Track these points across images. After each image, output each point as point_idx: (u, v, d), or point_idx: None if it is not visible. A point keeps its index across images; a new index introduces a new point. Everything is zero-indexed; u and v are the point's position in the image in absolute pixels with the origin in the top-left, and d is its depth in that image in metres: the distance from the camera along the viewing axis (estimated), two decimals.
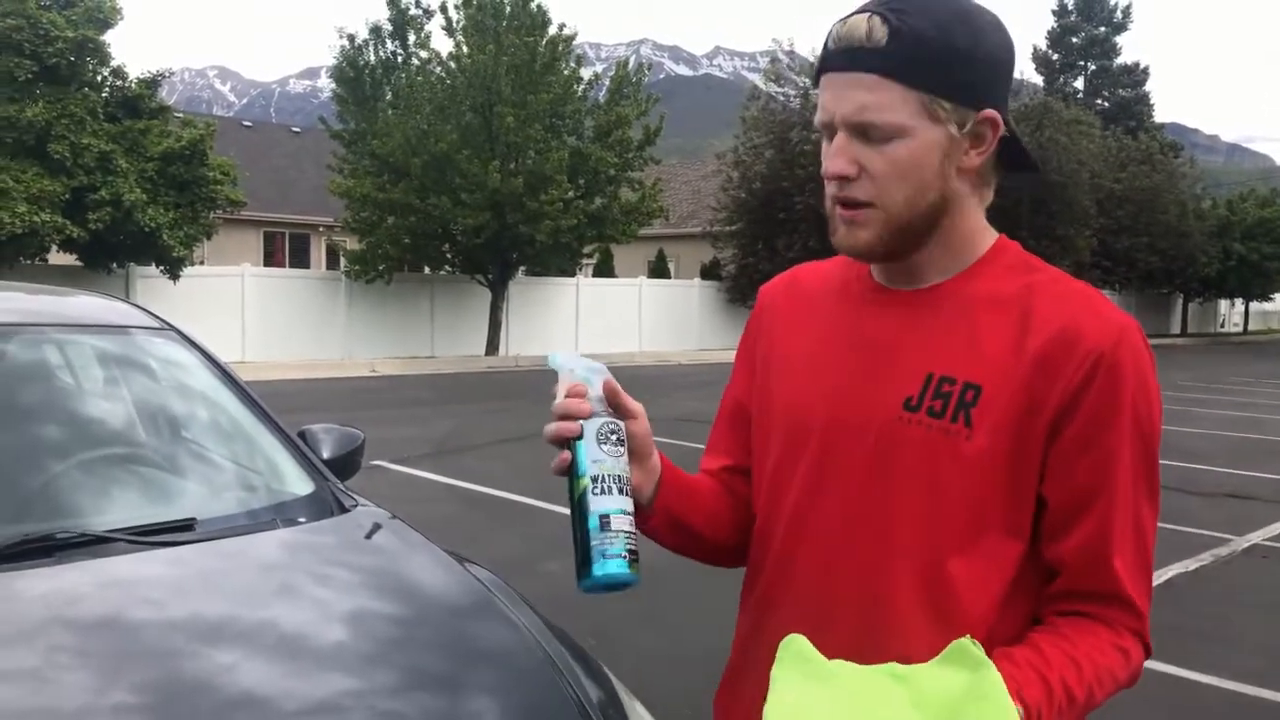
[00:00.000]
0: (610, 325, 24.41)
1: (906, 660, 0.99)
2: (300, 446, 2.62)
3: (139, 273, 18.29)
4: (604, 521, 1.04)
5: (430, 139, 19.12)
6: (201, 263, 21.41)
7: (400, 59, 22.09)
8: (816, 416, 1.15)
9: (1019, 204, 26.03)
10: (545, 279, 23.86)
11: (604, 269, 27.35)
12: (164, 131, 17.29)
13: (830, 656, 1.01)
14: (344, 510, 2.39)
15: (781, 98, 27.88)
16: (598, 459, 1.07)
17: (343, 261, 21.37)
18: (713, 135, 31.00)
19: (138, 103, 17.46)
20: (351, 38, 22.01)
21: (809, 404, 1.17)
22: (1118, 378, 1.05)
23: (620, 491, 1.06)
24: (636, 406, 1.15)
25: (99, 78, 17.12)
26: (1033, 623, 1.11)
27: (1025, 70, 37.26)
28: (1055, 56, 49.53)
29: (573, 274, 24.78)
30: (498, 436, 10.48)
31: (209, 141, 17.54)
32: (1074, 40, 49.24)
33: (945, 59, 1.04)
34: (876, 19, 1.04)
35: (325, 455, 2.72)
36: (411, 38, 21.99)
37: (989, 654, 0.98)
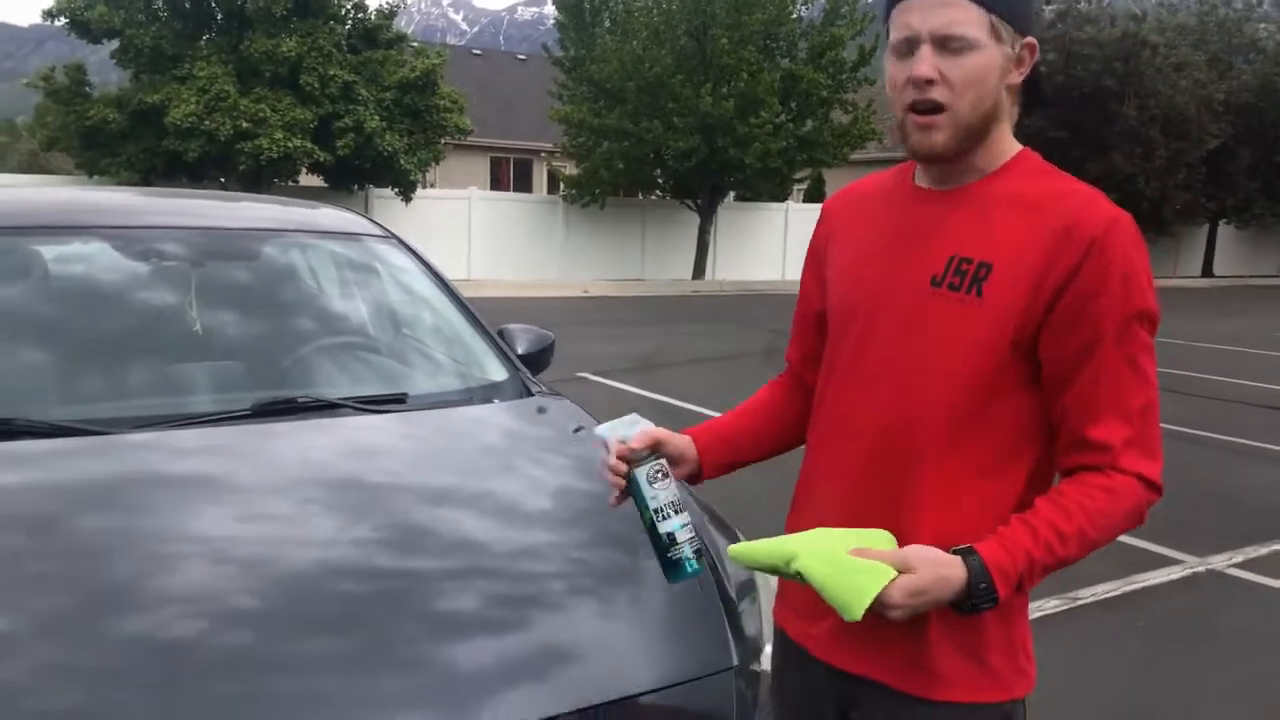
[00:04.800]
0: None
1: (922, 483, 1.32)
2: (498, 342, 3.03)
3: (376, 194, 19.74)
4: (671, 538, 1.41)
5: (645, 64, 19.45)
6: (433, 186, 22.77)
7: None
8: (863, 296, 1.40)
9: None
10: (754, 204, 23.88)
11: (816, 194, 27.00)
12: (399, 61, 18.45)
13: (857, 482, 1.36)
14: (529, 394, 2.78)
15: None
16: (653, 495, 1.42)
17: (561, 185, 22.19)
18: None
19: (376, 34, 18.68)
20: None
21: (858, 288, 1.42)
22: (1107, 259, 1.24)
23: (677, 512, 1.42)
24: (664, 435, 1.50)
25: (342, 10, 18.40)
26: (1047, 462, 1.34)
27: None
28: None
29: (783, 200, 24.67)
30: (696, 356, 10.87)
31: (440, 71, 18.59)
32: None
33: None
34: None
35: (520, 351, 3.11)
36: None
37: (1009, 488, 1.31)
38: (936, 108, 1.28)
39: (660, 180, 22.26)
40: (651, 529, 1.42)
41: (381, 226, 3.41)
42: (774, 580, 1.56)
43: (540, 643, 1.70)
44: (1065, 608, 4.09)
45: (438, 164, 20.37)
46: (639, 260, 22.86)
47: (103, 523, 1.88)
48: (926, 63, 1.27)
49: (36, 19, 18.08)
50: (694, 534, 1.43)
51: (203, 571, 1.73)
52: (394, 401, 2.57)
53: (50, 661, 1.49)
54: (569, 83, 22.21)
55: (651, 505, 1.41)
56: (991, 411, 1.31)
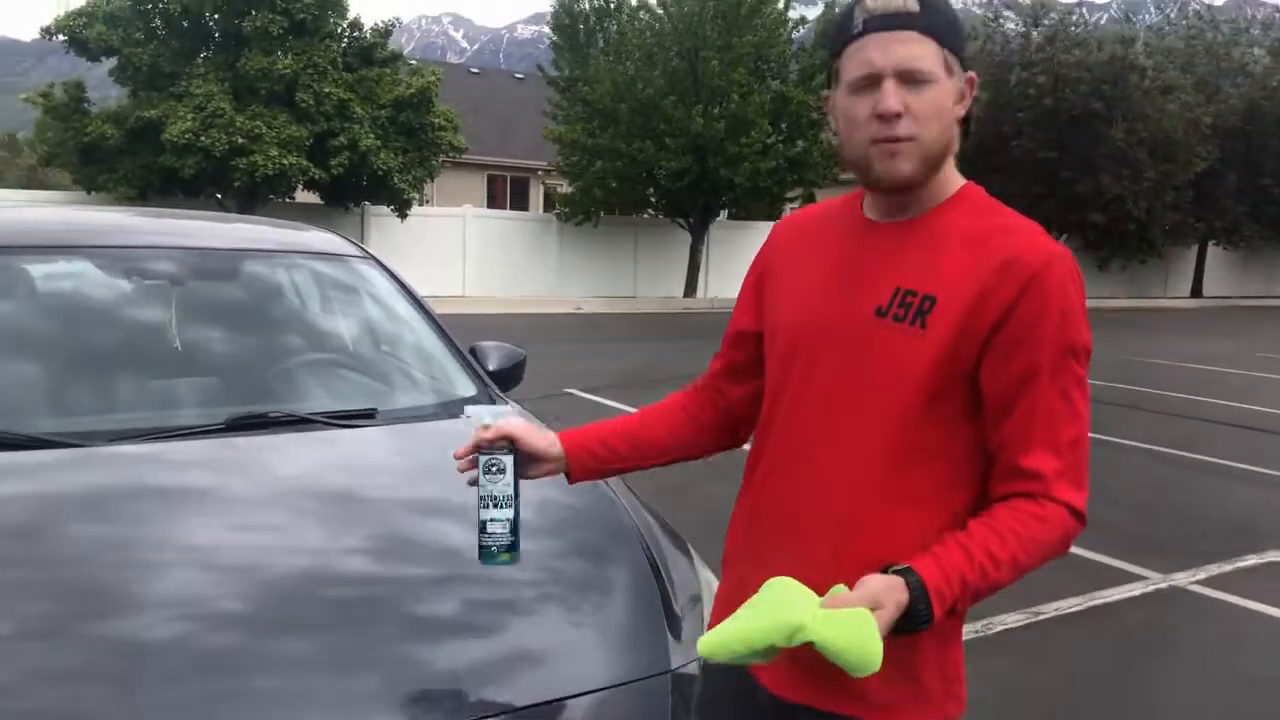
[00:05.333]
0: None
1: (864, 509, 1.35)
2: (468, 358, 3.14)
3: (372, 211, 19.89)
4: (483, 526, 1.54)
5: (637, 85, 19.67)
6: (427, 203, 22.93)
7: (613, 6, 22.68)
8: (812, 324, 1.43)
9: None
10: (745, 223, 24.07)
11: None
12: (395, 80, 18.63)
13: (809, 511, 1.40)
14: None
15: (1000, 38, 26.56)
16: (483, 485, 1.54)
17: (555, 204, 22.37)
18: None
19: (372, 52, 18.87)
20: None
21: (806, 315, 1.44)
22: (1045, 293, 1.28)
23: (498, 507, 1.54)
24: (520, 433, 1.55)
25: (338, 29, 18.58)
26: (982, 493, 1.37)
27: None
28: None
29: (775, 219, 24.85)
30: (682, 372, 10.90)
31: (435, 90, 18.75)
32: None
33: (955, 26, 1.34)
34: None
35: (491, 367, 3.22)
36: None
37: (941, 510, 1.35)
38: (901, 139, 1.31)
39: (653, 199, 22.45)
40: (476, 511, 1.55)
41: (359, 246, 3.53)
42: (713, 592, 1.62)
43: (481, 646, 1.79)
44: (1026, 622, 4.18)
45: (433, 181, 20.53)
46: (632, 278, 23.02)
47: (73, 531, 1.98)
48: (894, 95, 1.29)
49: (38, 34, 18.30)
50: (507, 530, 1.54)
51: (174, 576, 1.83)
52: (364, 417, 2.67)
53: (28, 664, 1.58)
54: (563, 103, 22.43)
55: (480, 492, 1.54)
56: (932, 440, 1.34)
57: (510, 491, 1.54)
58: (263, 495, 2.21)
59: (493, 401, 2.92)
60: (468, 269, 20.98)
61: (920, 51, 1.30)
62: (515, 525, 1.54)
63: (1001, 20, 27.02)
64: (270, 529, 2.06)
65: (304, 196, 20.01)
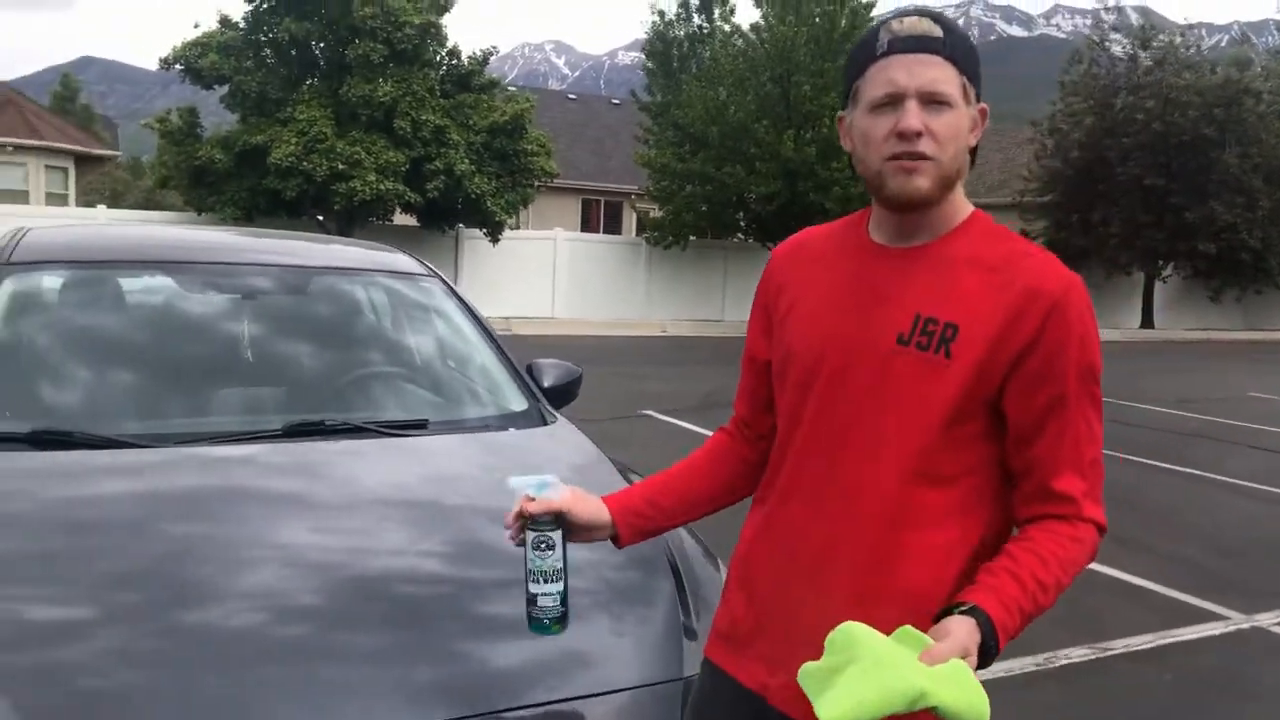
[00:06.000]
0: None
1: (883, 532, 1.36)
2: (522, 374, 3.23)
3: (466, 234, 20.34)
4: (533, 599, 1.54)
5: (729, 109, 19.76)
6: (519, 227, 23.36)
7: (705, 32, 22.87)
8: (828, 350, 1.43)
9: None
10: None
11: None
12: (490, 106, 19.06)
13: (827, 534, 1.40)
14: (544, 423, 2.97)
15: (1106, 61, 25.85)
16: (532, 560, 1.53)
17: (644, 227, 22.57)
18: (1049, 100, 29.28)
19: (469, 79, 19.33)
20: (662, 13, 23.06)
21: (820, 342, 1.44)
22: (1066, 321, 1.32)
23: (548, 581, 1.54)
24: (569, 504, 1.53)
25: (437, 57, 19.12)
26: (1007, 521, 1.40)
27: None
28: None
29: None
30: None
31: (529, 116, 19.12)
32: None
33: (973, 56, 1.38)
34: (920, 16, 1.38)
35: (546, 384, 3.30)
36: (716, 11, 22.70)
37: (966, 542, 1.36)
38: (921, 156, 1.34)
39: (742, 223, 22.46)
40: (526, 586, 1.55)
41: (426, 265, 3.65)
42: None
43: (507, 647, 1.86)
44: (1091, 657, 4.07)
45: (526, 206, 20.89)
46: (720, 301, 23.04)
47: (127, 525, 2.12)
48: (916, 115, 1.32)
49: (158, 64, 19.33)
50: (557, 603, 1.55)
51: (229, 564, 1.95)
52: (415, 426, 2.78)
53: (105, 646, 1.71)
54: (655, 127, 22.64)
55: (528, 567, 1.54)
56: (951, 464, 1.36)
57: (560, 565, 1.55)
58: (313, 496, 2.32)
59: (543, 417, 3.00)
60: (557, 291, 21.28)
61: (943, 75, 1.33)
62: (565, 596, 1.55)
63: (1108, 44, 26.29)
64: (310, 528, 2.17)
65: (401, 219, 20.60)
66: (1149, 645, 4.26)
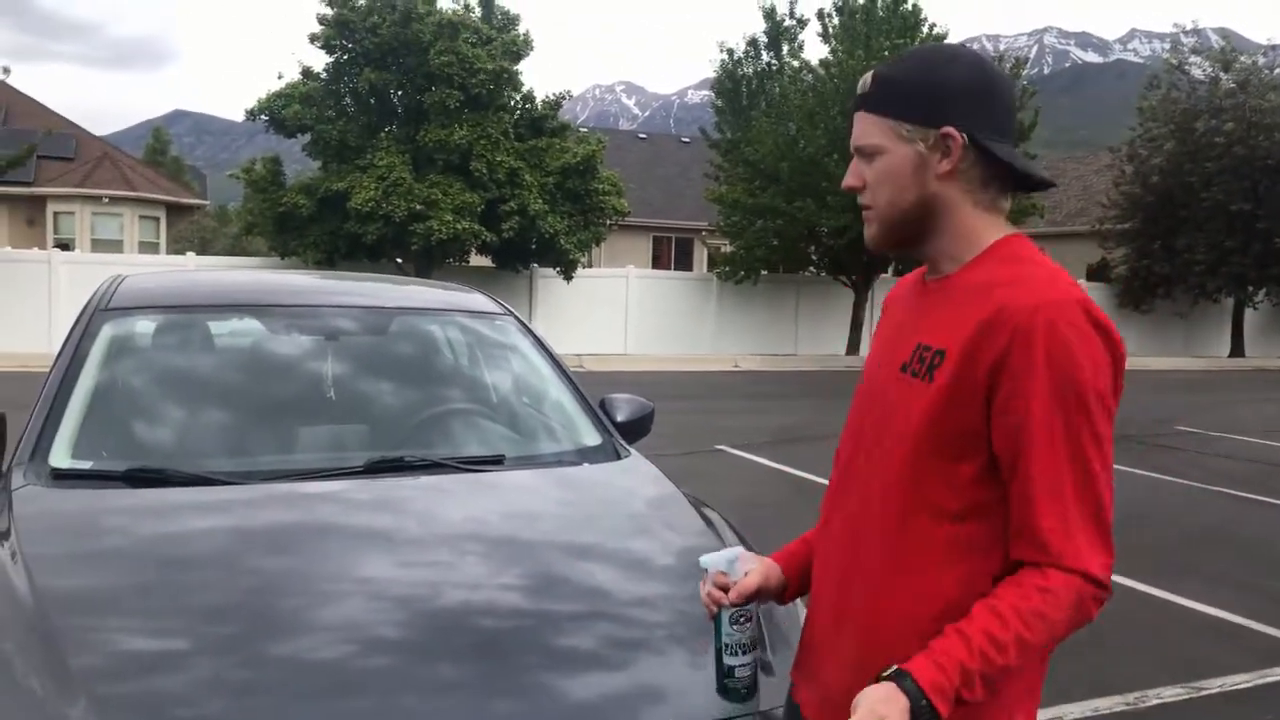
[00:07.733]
0: None
1: (881, 565, 1.41)
2: (595, 410, 3.27)
3: (540, 273, 20.62)
4: (731, 671, 1.59)
5: (799, 143, 19.77)
6: (591, 265, 23.60)
7: (774, 69, 22.96)
8: (863, 387, 1.54)
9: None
10: None
11: None
12: (562, 148, 19.39)
13: (841, 563, 1.48)
14: (618, 458, 3.00)
15: (1186, 84, 25.25)
16: (729, 634, 1.58)
17: (714, 263, 22.58)
18: (1127, 125, 28.59)
19: (542, 122, 19.72)
20: (730, 51, 23.22)
21: (865, 374, 1.55)
22: (1030, 340, 1.25)
23: (744, 652, 1.59)
24: (758, 583, 1.56)
25: (511, 102, 19.54)
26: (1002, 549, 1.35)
27: None
28: None
29: None
30: (834, 430, 10.79)
31: (600, 156, 19.40)
32: None
33: (904, 94, 1.38)
34: (871, 72, 1.44)
35: (619, 419, 3.34)
36: (785, 48, 22.78)
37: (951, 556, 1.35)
38: (865, 207, 1.45)
39: (814, 257, 22.35)
40: (718, 655, 1.59)
41: (502, 304, 3.73)
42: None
43: (572, 682, 1.89)
44: (1186, 696, 3.93)
45: (598, 245, 21.10)
46: (792, 336, 22.92)
47: (212, 559, 2.19)
48: (851, 173, 1.46)
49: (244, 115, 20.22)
50: (751, 671, 1.60)
51: (315, 597, 2.01)
52: (492, 462, 2.83)
53: (198, 676, 1.77)
54: (724, 164, 22.74)
55: (725, 640, 1.58)
56: (959, 500, 1.34)
57: (758, 634, 1.61)
58: (394, 531, 2.38)
59: (617, 452, 3.03)
60: (629, 327, 21.41)
61: (866, 128, 1.42)
62: (757, 663, 1.61)
63: (1187, 66, 25.68)
64: (392, 562, 2.22)
65: (477, 260, 20.98)
66: (1246, 685, 4.10)
